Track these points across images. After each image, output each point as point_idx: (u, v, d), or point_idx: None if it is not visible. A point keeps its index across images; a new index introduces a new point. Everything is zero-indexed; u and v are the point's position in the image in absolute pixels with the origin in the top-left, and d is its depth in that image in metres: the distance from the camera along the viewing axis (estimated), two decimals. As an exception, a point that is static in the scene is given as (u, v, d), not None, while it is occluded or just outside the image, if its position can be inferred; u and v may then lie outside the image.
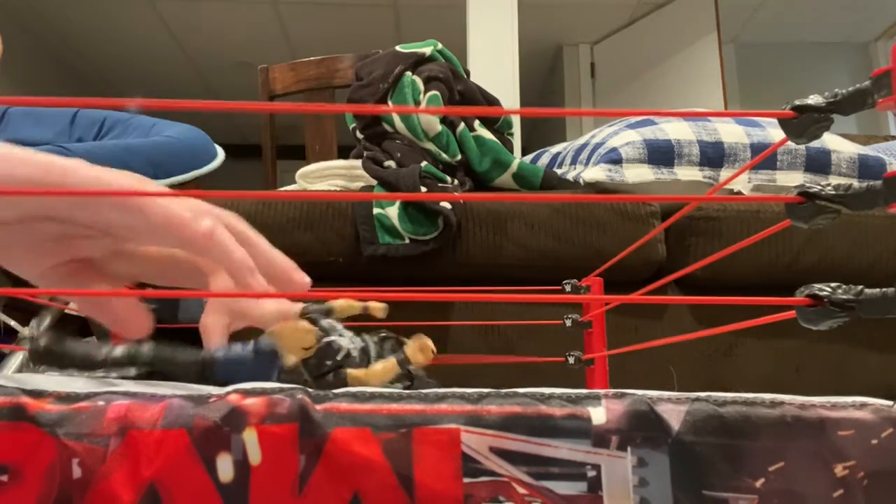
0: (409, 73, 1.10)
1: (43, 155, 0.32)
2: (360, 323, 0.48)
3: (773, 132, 1.08)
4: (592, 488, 0.23)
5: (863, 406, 0.25)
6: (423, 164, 1.01)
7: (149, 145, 1.20)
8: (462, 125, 1.09)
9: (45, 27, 3.76)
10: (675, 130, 1.05)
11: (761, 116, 1.15)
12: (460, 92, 1.12)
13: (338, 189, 1.13)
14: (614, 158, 1.02)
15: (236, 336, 0.40)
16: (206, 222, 0.32)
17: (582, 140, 1.20)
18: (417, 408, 0.24)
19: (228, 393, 0.24)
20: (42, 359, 0.38)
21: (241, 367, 0.35)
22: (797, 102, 0.27)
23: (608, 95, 3.83)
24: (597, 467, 0.23)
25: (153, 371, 0.40)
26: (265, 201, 0.97)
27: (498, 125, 1.19)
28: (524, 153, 1.83)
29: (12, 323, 1.43)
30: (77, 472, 0.22)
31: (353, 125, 1.16)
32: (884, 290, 0.24)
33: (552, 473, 0.23)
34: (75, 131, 1.37)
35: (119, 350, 0.40)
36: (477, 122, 1.12)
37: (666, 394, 0.25)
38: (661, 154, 1.02)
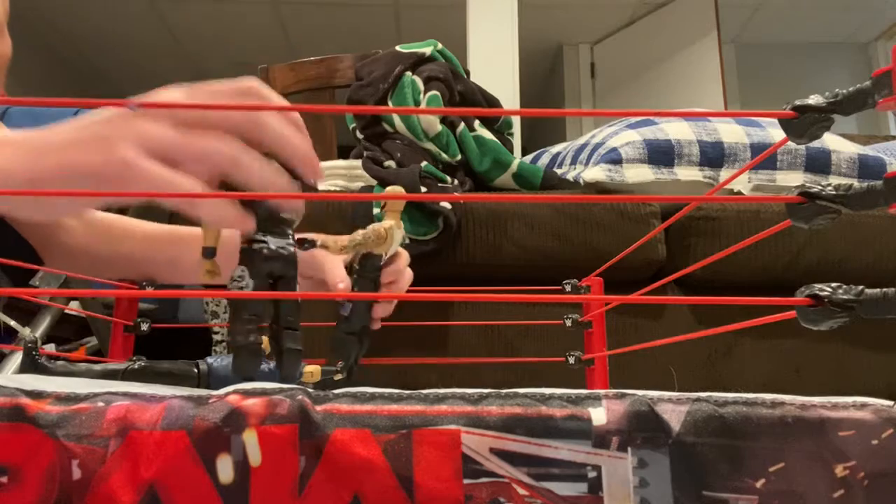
0: (409, 73, 1.09)
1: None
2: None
3: (773, 132, 1.08)
4: (593, 489, 0.23)
5: (863, 406, 0.25)
6: (423, 164, 1.01)
7: (149, 145, 1.20)
8: (462, 125, 1.09)
9: (45, 27, 3.76)
10: (675, 130, 1.05)
11: (761, 116, 1.15)
12: (460, 92, 1.12)
13: (338, 189, 1.13)
14: (614, 158, 1.02)
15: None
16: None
17: (582, 140, 1.20)
18: (417, 409, 0.24)
19: (228, 394, 0.24)
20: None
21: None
22: (798, 102, 0.27)
23: (608, 95, 3.83)
24: (597, 468, 0.23)
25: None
26: (265, 201, 0.97)
27: (498, 125, 1.19)
28: (524, 153, 1.83)
29: (12, 323, 1.43)
30: (77, 473, 0.22)
31: (353, 125, 1.16)
32: (884, 290, 0.24)
33: (553, 474, 0.23)
34: (75, 131, 1.37)
35: (99, 367, 0.40)
36: (477, 123, 1.12)
37: (666, 394, 0.25)
38: (661, 154, 1.02)
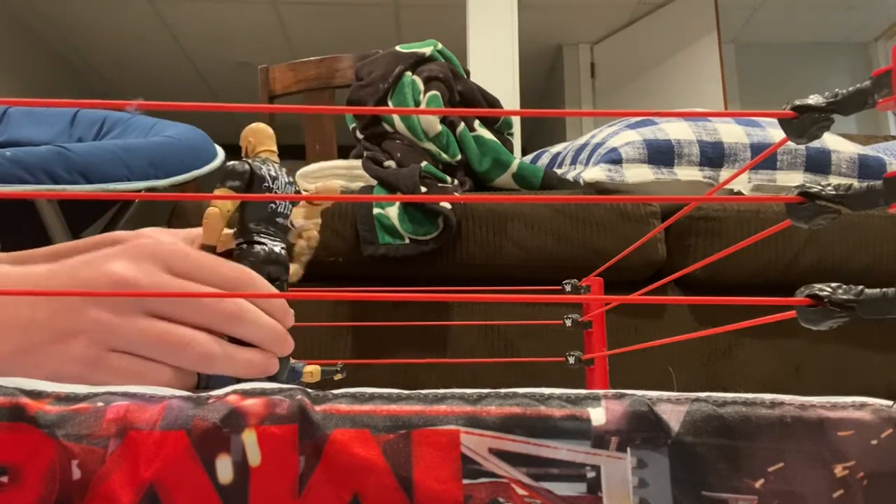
0: (409, 73, 1.09)
1: None
2: (352, 323, 0.49)
3: (773, 132, 1.08)
4: (592, 489, 0.23)
5: (863, 406, 0.25)
6: (423, 164, 1.01)
7: (149, 145, 1.20)
8: (462, 125, 1.09)
9: (45, 27, 3.76)
10: (675, 130, 1.05)
11: (761, 116, 1.15)
12: (460, 92, 1.12)
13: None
14: (614, 158, 1.02)
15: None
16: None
17: (582, 140, 1.20)
18: (416, 409, 0.24)
19: (228, 394, 0.24)
20: None
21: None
22: (797, 102, 0.27)
23: (608, 95, 3.83)
24: (596, 468, 0.23)
25: None
26: (265, 201, 0.97)
27: (498, 125, 1.19)
28: (524, 153, 1.84)
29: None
30: (76, 473, 0.22)
31: (353, 125, 1.16)
32: (884, 290, 0.24)
33: (552, 474, 0.23)
34: (75, 131, 1.37)
35: None
36: (477, 123, 1.12)
37: (666, 394, 0.25)
38: (661, 154, 1.02)
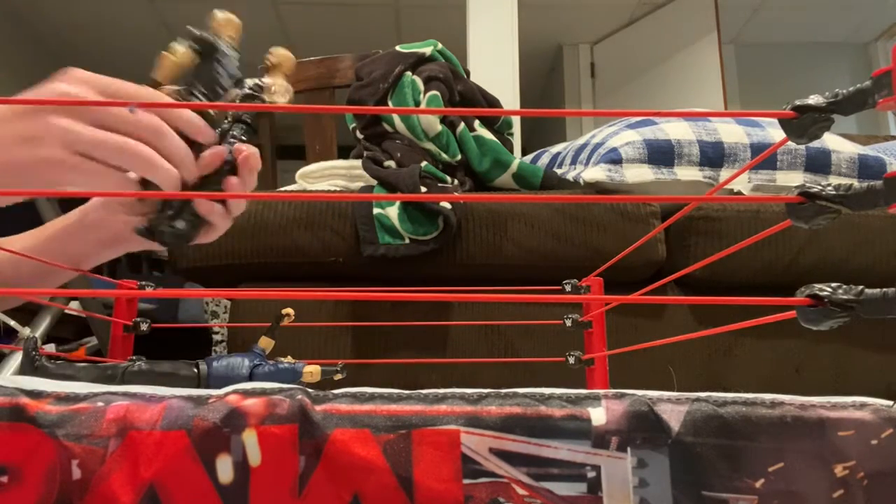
0: (409, 73, 1.09)
1: None
2: (352, 323, 0.48)
3: (773, 132, 1.08)
4: (592, 489, 0.23)
5: (863, 406, 0.25)
6: (423, 163, 1.01)
7: (149, 145, 1.20)
8: (462, 125, 1.09)
9: (43, 26, 3.76)
10: (675, 130, 1.05)
11: (761, 116, 1.15)
12: (460, 92, 1.12)
13: (338, 189, 1.13)
14: (614, 158, 1.02)
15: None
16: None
17: (582, 140, 1.20)
18: (417, 409, 0.24)
19: (228, 394, 0.24)
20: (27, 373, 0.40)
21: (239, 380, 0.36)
22: (798, 102, 0.27)
23: (608, 95, 3.83)
24: (597, 468, 0.23)
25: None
26: (265, 201, 0.97)
27: (498, 125, 1.19)
28: (524, 153, 1.83)
29: (12, 323, 1.43)
30: (77, 473, 0.22)
31: (353, 125, 1.16)
32: (884, 290, 0.24)
33: (552, 474, 0.23)
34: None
35: (98, 367, 0.43)
36: (477, 122, 1.12)
37: (666, 394, 0.25)
38: (661, 154, 1.02)
